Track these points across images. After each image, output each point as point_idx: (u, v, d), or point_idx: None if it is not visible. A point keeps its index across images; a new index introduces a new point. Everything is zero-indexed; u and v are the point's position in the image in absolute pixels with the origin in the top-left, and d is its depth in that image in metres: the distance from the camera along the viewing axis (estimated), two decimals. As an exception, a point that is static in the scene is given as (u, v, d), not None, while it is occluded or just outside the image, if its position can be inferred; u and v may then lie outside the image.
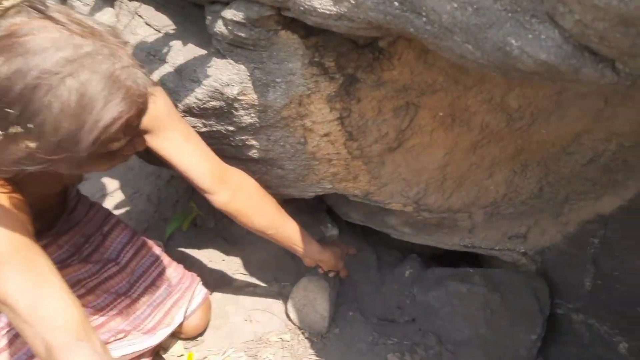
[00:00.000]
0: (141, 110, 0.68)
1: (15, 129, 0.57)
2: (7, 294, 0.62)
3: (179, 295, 1.26)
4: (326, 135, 1.03)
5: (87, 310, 1.10)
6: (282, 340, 1.30)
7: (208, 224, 1.63)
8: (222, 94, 0.96)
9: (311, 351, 1.28)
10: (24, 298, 0.62)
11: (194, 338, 1.30)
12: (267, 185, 1.12)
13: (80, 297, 1.06)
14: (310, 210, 1.58)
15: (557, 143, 1.09)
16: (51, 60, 0.57)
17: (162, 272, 1.26)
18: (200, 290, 1.32)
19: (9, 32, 0.57)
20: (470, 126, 1.03)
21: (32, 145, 0.59)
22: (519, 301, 1.29)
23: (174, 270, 1.29)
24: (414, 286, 1.44)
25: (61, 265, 1.10)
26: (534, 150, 1.11)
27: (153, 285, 1.23)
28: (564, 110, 0.99)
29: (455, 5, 0.55)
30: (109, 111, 0.61)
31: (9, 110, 0.56)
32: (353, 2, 0.66)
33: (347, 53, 0.90)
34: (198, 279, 1.33)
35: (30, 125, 0.57)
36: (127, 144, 0.71)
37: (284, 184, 1.19)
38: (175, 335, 1.28)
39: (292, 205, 1.29)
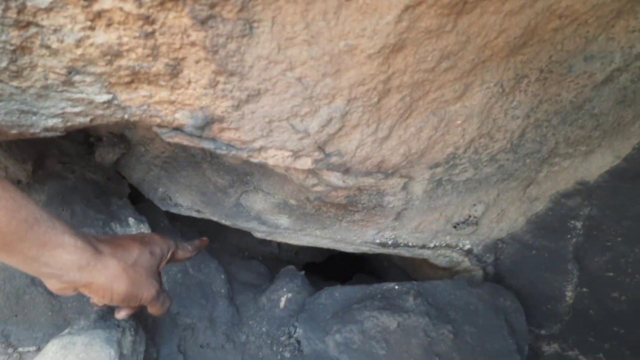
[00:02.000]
0: None
1: None
2: None
3: None
4: None
5: None
6: None
7: None
8: None
9: None
10: None
11: None
12: None
13: None
14: (87, 189, 0.79)
15: (586, 28, 0.57)
16: None
17: None
18: None
19: None
20: None
21: None
22: (482, 335, 0.73)
23: None
24: (297, 325, 0.78)
25: None
26: (545, 40, 0.57)
27: None
28: None
29: None
30: None
31: None
32: None
33: None
34: None
35: None
36: None
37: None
38: None
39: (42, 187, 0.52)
